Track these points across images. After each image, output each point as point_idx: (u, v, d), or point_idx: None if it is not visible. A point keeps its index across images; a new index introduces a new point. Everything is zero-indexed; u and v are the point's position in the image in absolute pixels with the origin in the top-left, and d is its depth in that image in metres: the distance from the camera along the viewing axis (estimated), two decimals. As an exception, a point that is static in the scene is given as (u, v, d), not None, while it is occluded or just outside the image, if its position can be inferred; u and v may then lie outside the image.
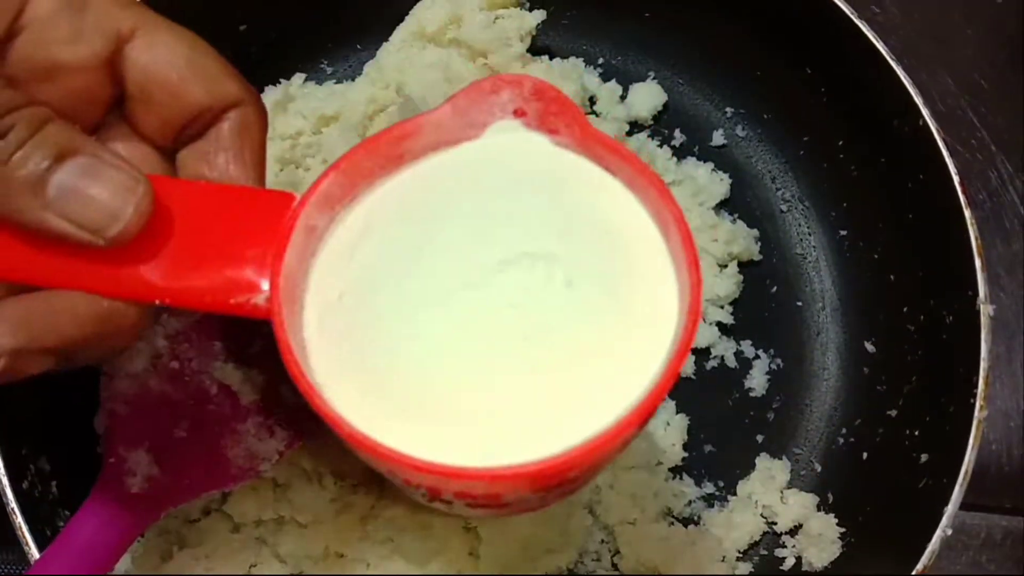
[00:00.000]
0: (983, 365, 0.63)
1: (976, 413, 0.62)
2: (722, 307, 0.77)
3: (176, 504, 0.59)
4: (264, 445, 0.60)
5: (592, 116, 0.80)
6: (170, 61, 0.44)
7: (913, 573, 0.60)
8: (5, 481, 0.60)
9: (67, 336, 0.42)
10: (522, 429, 0.40)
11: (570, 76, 0.78)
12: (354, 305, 0.43)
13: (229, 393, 0.59)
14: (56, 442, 0.67)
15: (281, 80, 0.79)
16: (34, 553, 0.59)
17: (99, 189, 0.40)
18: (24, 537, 0.60)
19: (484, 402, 0.41)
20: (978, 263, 0.65)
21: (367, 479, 0.69)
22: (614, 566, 0.71)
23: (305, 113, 0.78)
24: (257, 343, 0.61)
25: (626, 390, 0.41)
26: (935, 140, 0.68)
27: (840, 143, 0.78)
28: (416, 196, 0.45)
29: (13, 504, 0.60)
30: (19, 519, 0.60)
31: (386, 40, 0.80)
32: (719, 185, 0.80)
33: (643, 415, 0.40)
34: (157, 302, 0.43)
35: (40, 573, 0.54)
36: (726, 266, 0.78)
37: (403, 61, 0.78)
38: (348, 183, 0.44)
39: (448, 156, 0.45)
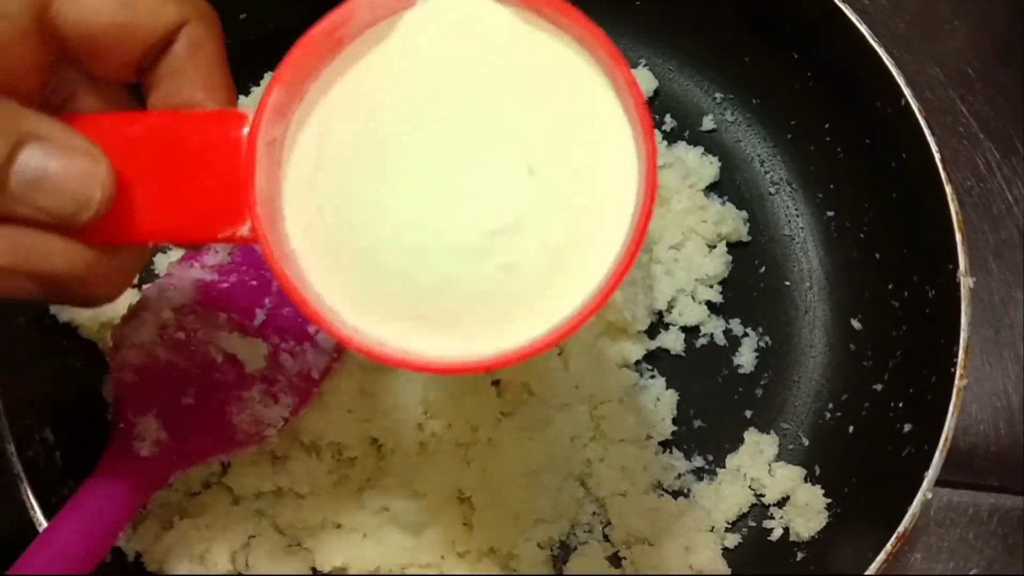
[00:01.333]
0: (963, 335, 0.65)
1: (956, 382, 0.64)
2: (711, 287, 0.79)
3: (184, 468, 0.61)
4: (269, 411, 0.62)
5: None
6: (100, 8, 0.42)
7: (895, 535, 0.61)
8: (12, 448, 0.62)
9: (48, 269, 0.41)
10: (502, 319, 0.41)
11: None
12: (332, 216, 0.43)
13: (234, 362, 0.61)
14: (61, 413, 0.68)
15: (280, 67, 0.81)
16: (40, 520, 0.61)
17: (63, 177, 0.40)
18: (31, 504, 0.62)
19: (464, 298, 0.42)
20: (958, 237, 0.66)
21: (364, 451, 0.71)
22: (605, 537, 0.73)
23: (303, 98, 0.79)
24: (260, 315, 0.62)
25: (593, 274, 0.41)
26: (916, 119, 0.69)
27: (826, 126, 0.79)
28: (364, 86, 0.43)
29: (20, 471, 0.62)
30: (25, 486, 0.61)
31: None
32: (709, 168, 0.82)
33: (604, 299, 0.40)
34: (150, 243, 0.44)
35: (54, 536, 0.55)
36: (715, 246, 0.80)
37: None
38: (295, 86, 0.43)
39: (387, 33, 0.43)
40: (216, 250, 0.65)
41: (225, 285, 0.64)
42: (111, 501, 0.57)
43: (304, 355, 0.64)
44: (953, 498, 0.84)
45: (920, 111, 0.70)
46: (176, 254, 0.78)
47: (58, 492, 0.65)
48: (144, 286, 0.68)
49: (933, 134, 0.69)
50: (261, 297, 0.64)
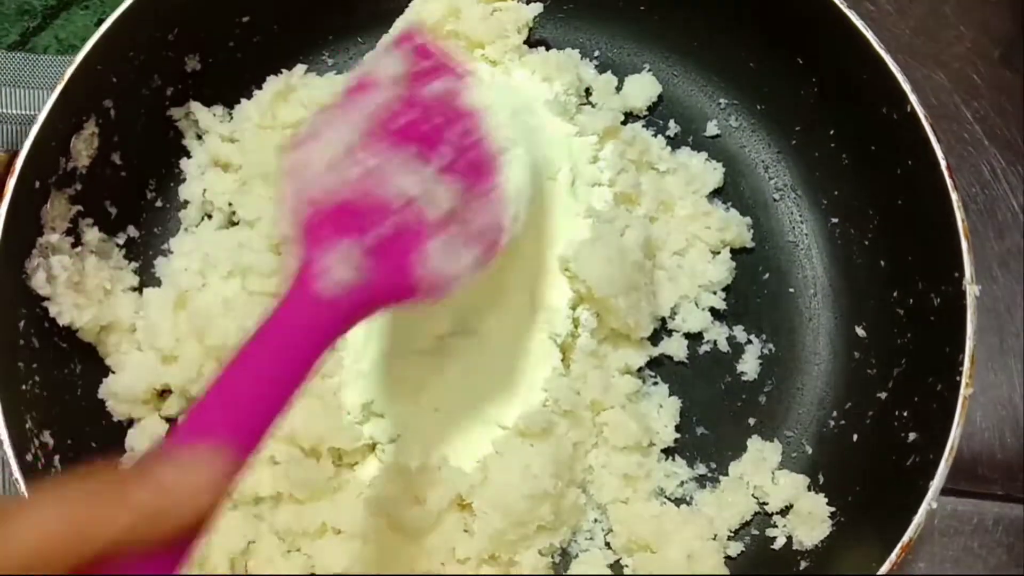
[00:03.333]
0: (969, 344, 0.64)
1: (962, 390, 0.63)
2: (715, 293, 0.79)
3: (368, 312, 0.54)
4: (454, 260, 0.57)
5: (588, 106, 0.81)
6: None
7: (899, 545, 0.60)
8: (10, 452, 0.62)
9: None
10: None
11: (566, 67, 0.79)
12: None
13: (417, 204, 0.56)
14: (60, 417, 0.68)
15: (283, 71, 0.81)
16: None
17: None
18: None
19: None
20: (964, 245, 0.66)
21: (363, 457, 0.71)
22: (607, 544, 0.72)
23: (306, 102, 0.79)
24: (441, 154, 0.58)
25: None
26: (923, 125, 0.69)
27: (831, 132, 0.79)
28: None
29: (17, 474, 0.62)
30: (23, 489, 0.61)
31: (386, 33, 0.82)
32: (712, 174, 0.81)
33: None
34: None
35: (241, 366, 0.48)
36: (719, 253, 0.79)
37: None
38: None
39: None
40: (385, 86, 0.59)
41: (400, 123, 0.58)
42: (297, 334, 0.50)
43: (480, 210, 0.59)
44: (957, 507, 0.84)
45: (926, 117, 0.69)
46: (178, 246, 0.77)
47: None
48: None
49: (939, 141, 0.69)
50: (438, 141, 0.58)
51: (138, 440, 0.72)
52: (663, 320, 0.78)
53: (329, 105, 0.58)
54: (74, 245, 0.73)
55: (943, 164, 0.68)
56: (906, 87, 0.70)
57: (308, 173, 0.55)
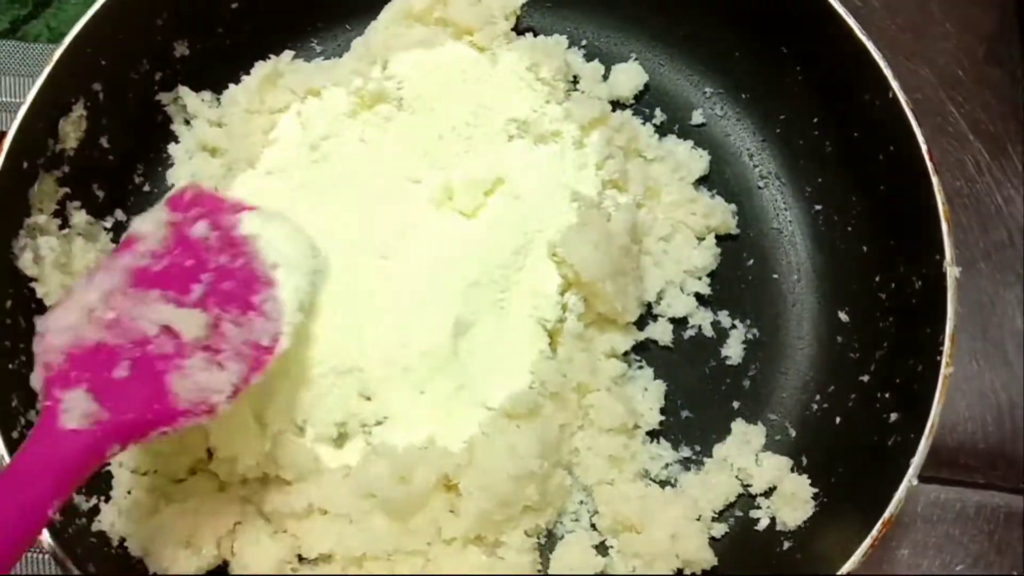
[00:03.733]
0: (949, 324, 0.65)
1: (942, 369, 0.64)
2: (700, 278, 0.79)
3: (125, 441, 0.59)
4: (215, 378, 0.61)
5: (576, 93, 0.82)
6: None
7: (880, 521, 0.61)
8: (-5, 428, 0.62)
9: None
10: None
11: (554, 53, 0.80)
12: None
13: (171, 333, 0.61)
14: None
15: (271, 56, 0.81)
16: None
17: None
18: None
19: None
20: (944, 227, 0.67)
21: (351, 438, 0.71)
22: (592, 526, 0.73)
23: (293, 88, 0.80)
24: (198, 289, 0.64)
25: None
26: (904, 110, 0.70)
27: (815, 120, 0.80)
28: None
29: (3, 451, 0.62)
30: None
31: (374, 20, 0.82)
32: (699, 161, 0.82)
33: None
34: None
35: None
36: (704, 239, 0.80)
37: (390, 39, 0.80)
38: None
39: None
40: (146, 238, 0.66)
41: (157, 268, 0.64)
42: (42, 469, 0.54)
43: (251, 324, 0.64)
44: (940, 495, 0.85)
45: (907, 103, 0.70)
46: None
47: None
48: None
49: (920, 126, 0.69)
50: (197, 274, 0.65)
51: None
52: (649, 305, 0.78)
53: (91, 268, 0.65)
54: (61, 227, 0.73)
55: (924, 148, 0.69)
56: (888, 74, 0.71)
57: (57, 328, 0.60)
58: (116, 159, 0.77)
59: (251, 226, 0.68)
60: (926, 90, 0.97)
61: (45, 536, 0.61)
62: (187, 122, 0.81)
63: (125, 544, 0.67)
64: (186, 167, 0.80)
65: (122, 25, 0.74)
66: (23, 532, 0.52)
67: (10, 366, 0.66)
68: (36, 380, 0.59)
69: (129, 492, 0.69)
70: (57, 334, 0.60)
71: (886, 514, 0.61)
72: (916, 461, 0.62)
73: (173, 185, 0.80)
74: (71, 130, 0.72)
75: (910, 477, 0.62)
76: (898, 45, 0.96)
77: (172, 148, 0.81)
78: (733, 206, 0.81)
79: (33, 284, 0.70)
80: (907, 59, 0.96)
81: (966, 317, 0.89)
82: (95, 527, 0.67)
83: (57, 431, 0.56)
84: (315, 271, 0.69)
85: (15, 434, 0.64)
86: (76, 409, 0.57)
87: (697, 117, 0.85)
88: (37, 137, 0.70)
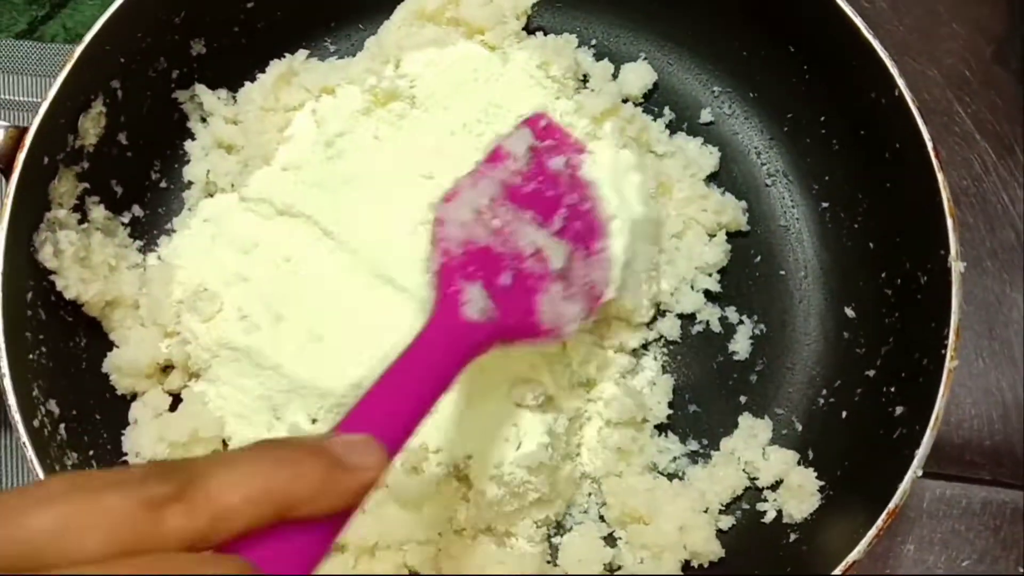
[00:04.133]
0: (954, 317, 0.66)
1: (947, 363, 0.65)
2: (710, 275, 0.80)
3: (506, 341, 0.61)
4: (569, 309, 0.64)
5: (586, 91, 0.83)
6: None
7: (885, 511, 0.62)
8: (17, 417, 0.63)
9: None
10: None
11: (564, 51, 0.81)
12: None
13: (540, 257, 0.64)
14: (64, 388, 0.69)
15: (286, 55, 0.82)
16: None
17: None
18: (36, 472, 0.63)
19: None
20: (949, 222, 0.68)
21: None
22: (600, 517, 0.74)
23: (307, 86, 0.81)
24: (558, 221, 0.67)
25: None
26: (910, 108, 0.71)
27: (822, 118, 0.81)
28: None
29: (25, 439, 0.63)
30: (31, 453, 0.62)
31: (387, 19, 0.83)
32: (709, 158, 0.83)
33: None
34: None
35: (391, 383, 0.51)
36: (715, 235, 0.81)
37: (403, 38, 0.81)
38: None
39: None
40: (516, 157, 0.68)
41: (527, 190, 0.67)
42: (443, 354, 0.55)
43: (591, 267, 0.68)
44: (946, 491, 0.85)
45: (913, 101, 0.71)
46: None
47: (61, 462, 0.66)
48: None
49: (926, 123, 0.70)
50: (557, 206, 0.68)
51: (141, 413, 0.73)
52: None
53: (470, 171, 0.67)
54: (81, 222, 0.74)
55: (929, 145, 0.69)
56: (894, 72, 0.72)
57: (455, 221, 0.63)
58: (134, 155, 0.78)
59: (595, 171, 0.72)
60: (933, 90, 0.98)
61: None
62: (203, 120, 0.83)
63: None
64: (202, 164, 0.81)
65: (140, 23, 0.75)
66: (418, 417, 0.51)
67: (30, 356, 0.67)
68: (432, 265, 0.62)
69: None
70: (455, 226, 0.63)
71: (891, 504, 0.62)
72: (921, 452, 0.63)
73: (190, 182, 0.82)
74: (91, 126, 0.74)
75: (915, 468, 0.63)
76: (905, 45, 0.97)
77: (188, 145, 0.82)
78: (743, 203, 0.82)
79: (52, 277, 0.71)
80: (914, 59, 0.97)
81: (972, 315, 0.90)
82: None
83: (458, 320, 0.58)
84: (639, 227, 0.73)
85: (35, 423, 0.65)
86: (476, 303, 0.58)
87: (706, 116, 0.86)
88: (57, 133, 0.71)
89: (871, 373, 0.74)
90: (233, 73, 0.82)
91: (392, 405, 0.49)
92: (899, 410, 0.69)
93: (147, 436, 0.71)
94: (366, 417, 0.48)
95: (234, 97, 0.82)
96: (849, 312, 0.78)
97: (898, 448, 0.66)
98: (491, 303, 0.59)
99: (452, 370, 0.55)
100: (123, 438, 0.72)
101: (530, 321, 0.63)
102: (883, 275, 0.75)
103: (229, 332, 0.73)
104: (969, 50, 1.00)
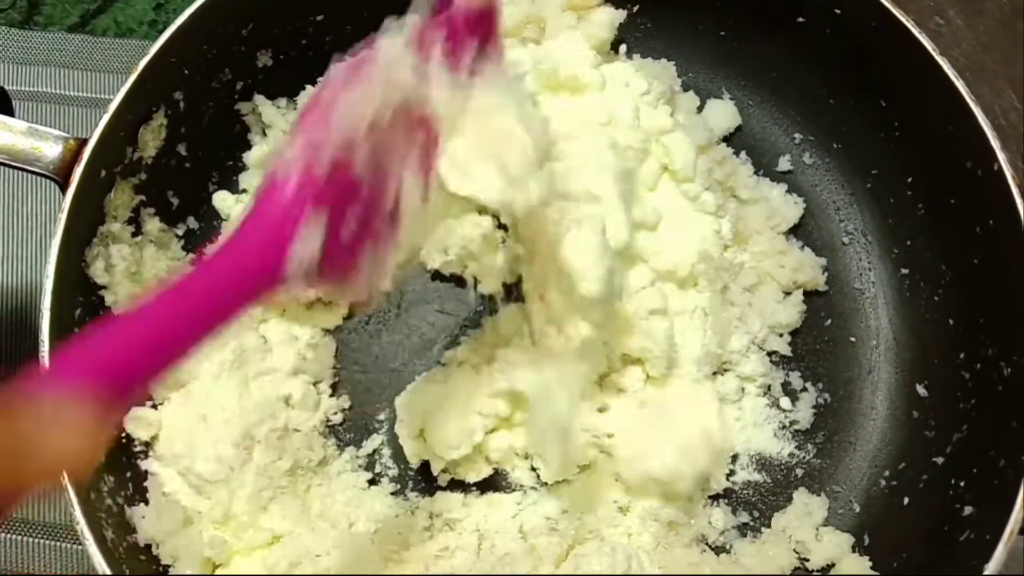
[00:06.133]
0: (1038, 423, 0.62)
1: (1027, 472, 0.61)
2: (781, 335, 0.76)
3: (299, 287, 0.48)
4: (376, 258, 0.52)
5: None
6: None
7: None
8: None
9: None
10: None
11: (663, 76, 0.78)
12: None
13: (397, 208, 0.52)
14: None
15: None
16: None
17: None
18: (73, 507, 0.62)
19: None
20: (1043, 317, 0.63)
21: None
22: (643, 587, 0.71)
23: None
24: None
25: None
26: (1009, 186, 0.66)
27: (909, 180, 0.76)
28: None
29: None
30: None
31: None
32: (792, 208, 0.79)
33: None
34: None
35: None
36: (790, 293, 0.77)
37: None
38: None
39: None
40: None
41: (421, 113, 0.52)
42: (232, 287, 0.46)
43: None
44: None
45: (1014, 178, 0.66)
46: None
47: (97, 489, 0.65)
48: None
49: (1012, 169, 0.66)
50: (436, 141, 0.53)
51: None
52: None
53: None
54: (134, 234, 0.73)
55: (1027, 230, 0.65)
56: (995, 144, 0.67)
57: (340, 126, 0.49)
58: (192, 167, 0.77)
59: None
60: (1010, 115, 0.91)
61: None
62: (264, 132, 0.81)
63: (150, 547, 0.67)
64: (259, 174, 0.80)
65: (208, 35, 0.73)
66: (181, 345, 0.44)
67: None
68: (278, 165, 0.48)
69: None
70: (337, 131, 0.48)
71: (956, 622, 0.59)
72: (991, 567, 0.59)
73: (245, 190, 0.80)
74: (150, 138, 0.72)
75: (982, 584, 0.59)
76: (980, 66, 0.91)
77: (246, 156, 0.80)
78: (823, 260, 0.78)
79: (102, 292, 0.70)
80: (989, 81, 0.90)
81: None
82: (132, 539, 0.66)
83: (267, 264, 0.47)
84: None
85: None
86: (303, 256, 0.47)
87: (784, 164, 0.82)
88: (117, 145, 0.70)
89: (939, 460, 0.70)
90: (295, 84, 0.80)
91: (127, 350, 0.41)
92: (968, 510, 0.65)
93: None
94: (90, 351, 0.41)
95: (294, 105, 0.80)
96: (921, 390, 0.74)
97: (964, 555, 0.62)
98: (318, 255, 0.47)
99: (239, 300, 0.46)
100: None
101: (341, 274, 0.51)
102: (962, 355, 0.71)
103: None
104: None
